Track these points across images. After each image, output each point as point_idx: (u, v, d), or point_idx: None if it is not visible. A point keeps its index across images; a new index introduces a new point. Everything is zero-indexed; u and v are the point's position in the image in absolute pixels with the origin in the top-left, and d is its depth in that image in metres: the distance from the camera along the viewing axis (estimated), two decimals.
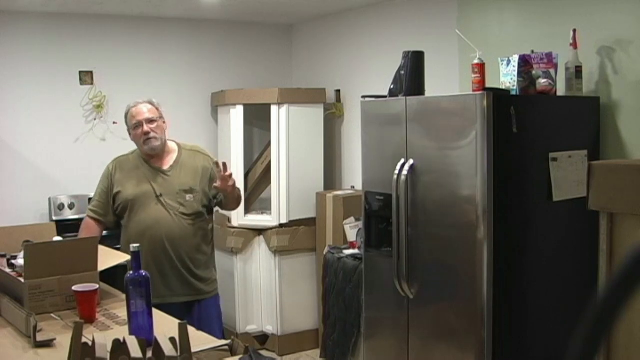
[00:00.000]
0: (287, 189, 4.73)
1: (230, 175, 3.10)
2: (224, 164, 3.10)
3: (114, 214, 3.19)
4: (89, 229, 3.16)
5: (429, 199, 2.99)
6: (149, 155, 3.17)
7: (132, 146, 3.27)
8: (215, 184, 3.11)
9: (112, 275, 3.00)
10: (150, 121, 3.12)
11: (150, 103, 3.18)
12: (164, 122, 3.20)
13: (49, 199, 4.56)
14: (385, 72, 3.61)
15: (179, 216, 3.10)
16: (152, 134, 3.11)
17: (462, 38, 3.43)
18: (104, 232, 3.29)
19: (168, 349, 1.80)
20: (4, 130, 4.50)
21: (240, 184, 4.58)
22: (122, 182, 3.16)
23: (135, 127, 3.12)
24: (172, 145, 3.25)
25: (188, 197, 3.13)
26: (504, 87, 2.97)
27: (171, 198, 3.11)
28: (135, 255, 2.12)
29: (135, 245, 2.13)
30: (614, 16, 3.02)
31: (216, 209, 3.42)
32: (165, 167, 3.17)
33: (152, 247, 3.02)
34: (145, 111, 3.13)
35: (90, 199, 3.40)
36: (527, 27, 3.44)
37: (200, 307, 3.18)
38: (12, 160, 4.52)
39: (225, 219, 4.83)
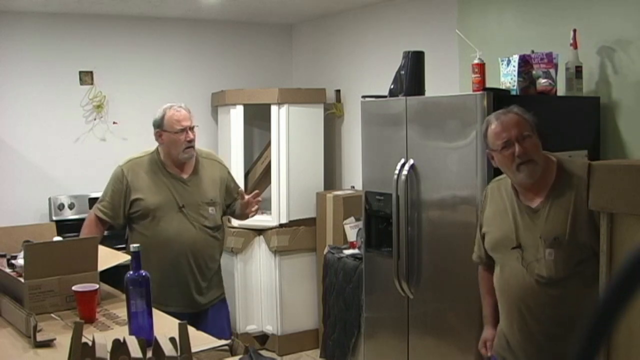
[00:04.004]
0: (287, 189, 4.73)
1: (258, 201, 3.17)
2: (258, 195, 3.18)
3: (124, 218, 3.08)
4: (92, 226, 3.09)
5: (429, 199, 2.99)
6: (176, 162, 3.06)
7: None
8: (241, 200, 3.16)
9: (112, 276, 3.00)
10: (192, 128, 3.07)
11: (186, 110, 3.09)
12: None
13: (49, 199, 4.56)
14: (385, 72, 3.61)
15: (202, 229, 3.06)
16: (194, 143, 3.05)
17: (462, 38, 3.43)
18: (105, 232, 3.28)
19: (168, 349, 1.80)
20: (4, 130, 4.50)
21: (240, 184, 4.59)
22: (141, 188, 3.04)
23: (179, 132, 3.00)
24: None
25: (211, 209, 3.09)
26: (504, 87, 2.97)
27: (193, 209, 3.04)
28: (136, 255, 2.11)
29: (135, 245, 2.13)
30: (614, 16, 3.02)
31: None
32: (185, 175, 3.08)
33: (175, 259, 2.99)
34: (189, 117, 3.06)
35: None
36: (527, 27, 3.44)
37: (213, 311, 3.15)
38: (12, 160, 4.52)
39: (225, 219, 4.82)
